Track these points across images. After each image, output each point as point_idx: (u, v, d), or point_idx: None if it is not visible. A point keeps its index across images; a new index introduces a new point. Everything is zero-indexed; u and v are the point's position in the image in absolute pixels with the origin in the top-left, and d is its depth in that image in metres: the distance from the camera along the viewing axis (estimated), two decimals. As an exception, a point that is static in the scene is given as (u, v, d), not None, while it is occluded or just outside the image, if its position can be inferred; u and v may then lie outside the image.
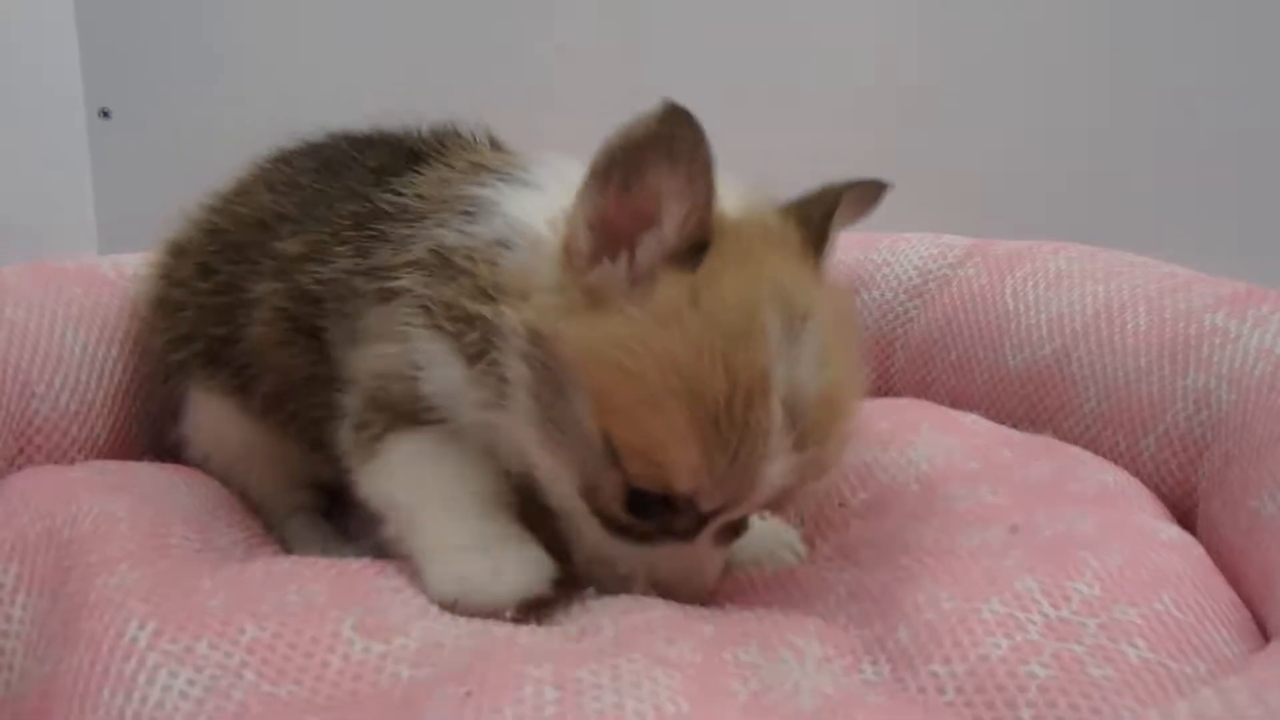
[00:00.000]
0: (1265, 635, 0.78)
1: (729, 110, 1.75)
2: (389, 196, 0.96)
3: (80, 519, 0.80)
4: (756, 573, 0.96)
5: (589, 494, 0.80)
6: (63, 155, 1.91)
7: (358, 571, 0.80)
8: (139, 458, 1.12)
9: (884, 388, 1.40)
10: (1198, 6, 1.69)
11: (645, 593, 0.81)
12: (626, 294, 0.77)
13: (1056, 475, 0.98)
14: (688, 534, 0.80)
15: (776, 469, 0.76)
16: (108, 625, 0.66)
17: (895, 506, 0.99)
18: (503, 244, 0.85)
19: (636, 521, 0.79)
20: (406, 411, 0.88)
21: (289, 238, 1.01)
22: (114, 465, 1.04)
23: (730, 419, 0.73)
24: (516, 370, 0.80)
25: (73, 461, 1.07)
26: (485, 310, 0.83)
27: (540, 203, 0.87)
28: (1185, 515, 1.00)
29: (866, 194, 0.93)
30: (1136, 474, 1.04)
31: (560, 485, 0.82)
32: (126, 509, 0.83)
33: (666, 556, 0.81)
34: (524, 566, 0.81)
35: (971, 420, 1.15)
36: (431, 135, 1.08)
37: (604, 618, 0.77)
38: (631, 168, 0.75)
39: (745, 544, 0.98)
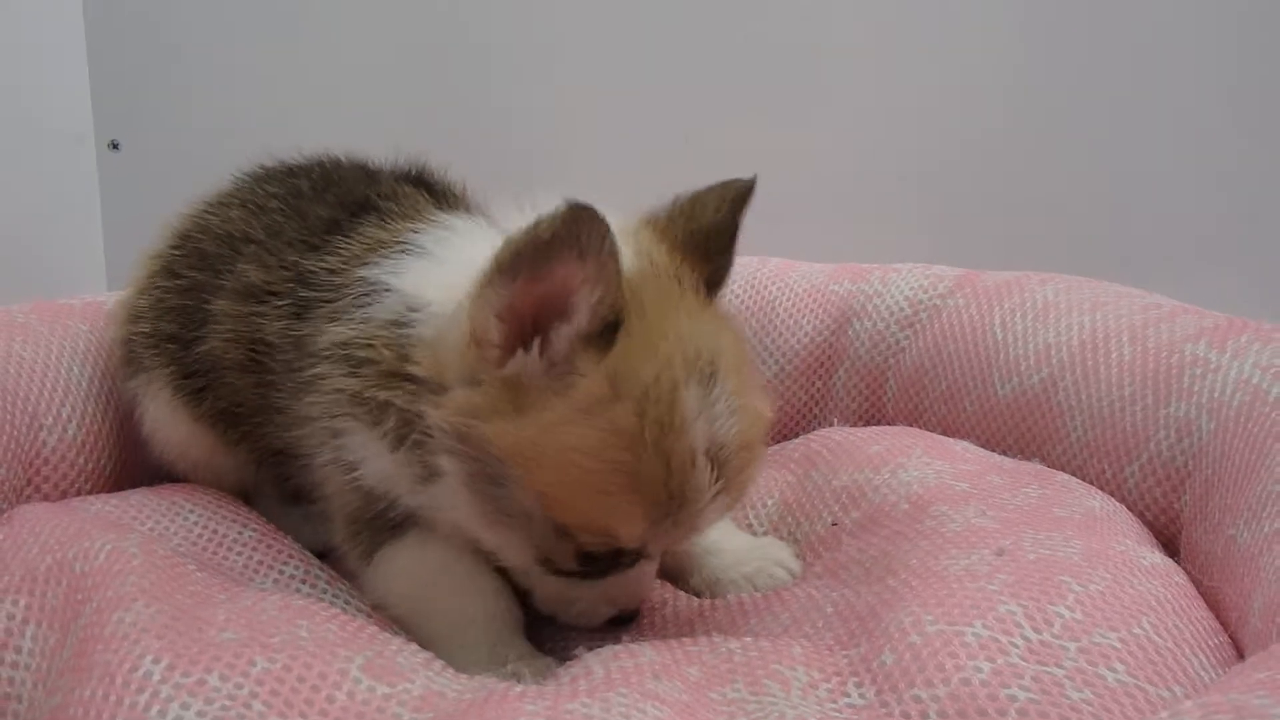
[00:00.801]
0: (1242, 659, 0.79)
1: (724, 141, 1.80)
2: (313, 263, 0.98)
3: (93, 554, 0.82)
4: (747, 595, 0.99)
5: (541, 560, 0.87)
6: (73, 186, 1.93)
7: (369, 623, 0.83)
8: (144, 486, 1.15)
9: (876, 416, 1.43)
10: (1187, 39, 1.70)
11: (598, 611, 0.92)
12: (546, 385, 0.79)
13: (1044, 500, 1.00)
14: (633, 563, 0.89)
15: (708, 513, 0.84)
16: (122, 659, 0.68)
17: (885, 525, 1.01)
18: (400, 324, 0.87)
19: (588, 569, 0.87)
20: (382, 520, 0.92)
21: (250, 260, 1.03)
22: (115, 499, 1.06)
23: (667, 490, 0.80)
24: (447, 463, 0.83)
25: (80, 493, 1.10)
26: (395, 397, 0.85)
27: (436, 275, 0.89)
28: (1170, 541, 1.02)
29: (748, 193, 0.95)
30: (1122, 501, 1.06)
31: (509, 554, 0.89)
32: (138, 545, 0.85)
33: (615, 584, 0.90)
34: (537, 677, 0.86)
35: (962, 447, 1.17)
36: (392, 181, 1.10)
37: (595, 663, 0.79)
38: (540, 264, 0.76)
39: (740, 561, 1.04)
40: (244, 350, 1.01)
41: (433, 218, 0.99)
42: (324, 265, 0.97)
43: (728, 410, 0.82)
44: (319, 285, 0.96)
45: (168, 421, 1.12)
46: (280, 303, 0.99)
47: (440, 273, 0.88)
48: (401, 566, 0.93)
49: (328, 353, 0.90)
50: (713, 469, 0.81)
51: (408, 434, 0.85)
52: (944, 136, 1.82)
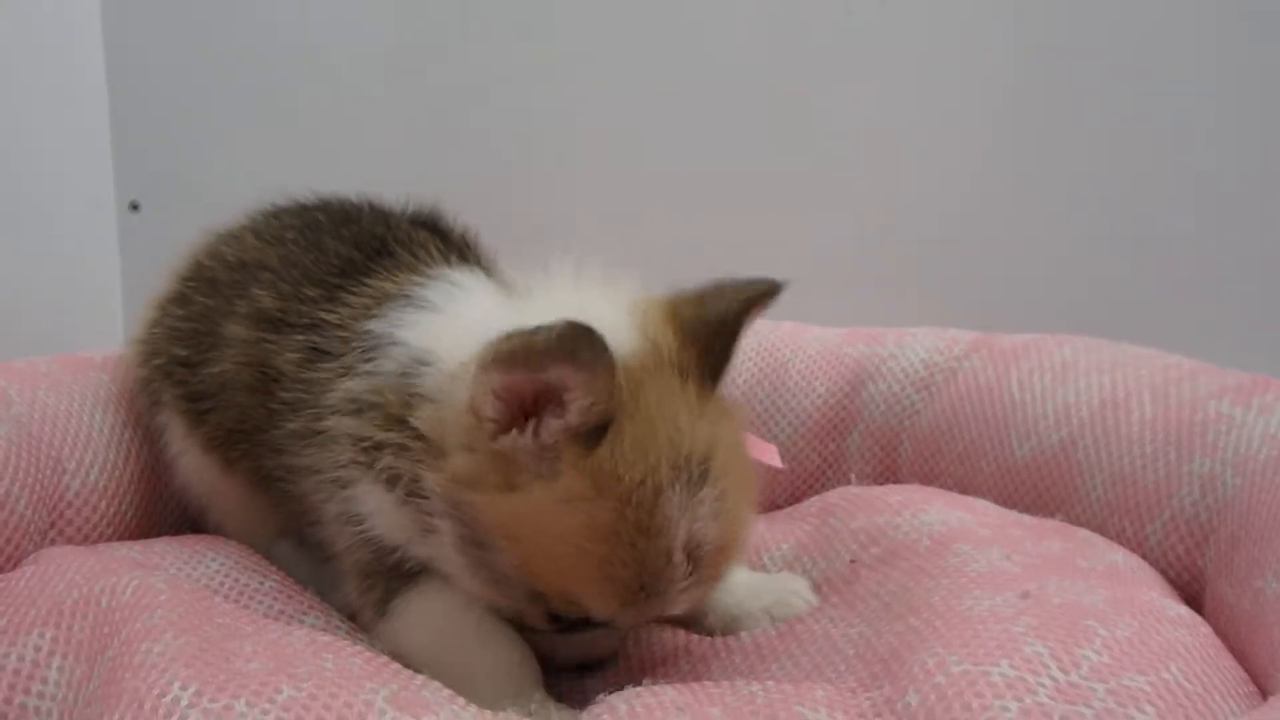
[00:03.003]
0: (1272, 710, 0.79)
1: (728, 202, 1.82)
2: (325, 313, 1.01)
3: (120, 589, 0.83)
4: (763, 635, 0.99)
5: (516, 615, 0.90)
6: (92, 247, 1.96)
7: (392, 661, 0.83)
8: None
9: (890, 477, 1.42)
10: (1205, 103, 1.72)
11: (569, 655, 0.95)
12: (534, 470, 0.81)
13: (1067, 552, 0.99)
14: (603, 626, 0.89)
15: (680, 600, 0.86)
16: (151, 685, 0.68)
17: (906, 560, 1.01)
18: (407, 375, 0.90)
19: (559, 627, 0.89)
20: (395, 570, 0.94)
21: (265, 287, 1.07)
22: (139, 545, 1.07)
23: (639, 581, 0.82)
24: (441, 521, 0.86)
25: (103, 538, 1.11)
26: (394, 437, 0.88)
27: (443, 330, 0.92)
28: (1192, 599, 1.01)
29: (766, 297, 0.95)
30: (1144, 558, 1.05)
31: (491, 602, 0.91)
32: (165, 583, 0.85)
33: (584, 641, 0.93)
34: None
35: (982, 504, 1.16)
36: (407, 225, 1.13)
37: (618, 702, 0.78)
38: (535, 366, 0.78)
39: (755, 594, 1.04)
40: (255, 372, 1.04)
41: (441, 270, 1.02)
42: (335, 317, 1.00)
43: (711, 513, 0.84)
44: (330, 336, 0.99)
45: (184, 450, 1.15)
46: (295, 336, 1.01)
47: (447, 329, 0.92)
48: (416, 618, 0.93)
49: (336, 407, 0.93)
50: (689, 564, 0.84)
51: (410, 488, 0.87)
52: (954, 203, 1.83)
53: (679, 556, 0.83)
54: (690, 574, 0.84)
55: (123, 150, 2.00)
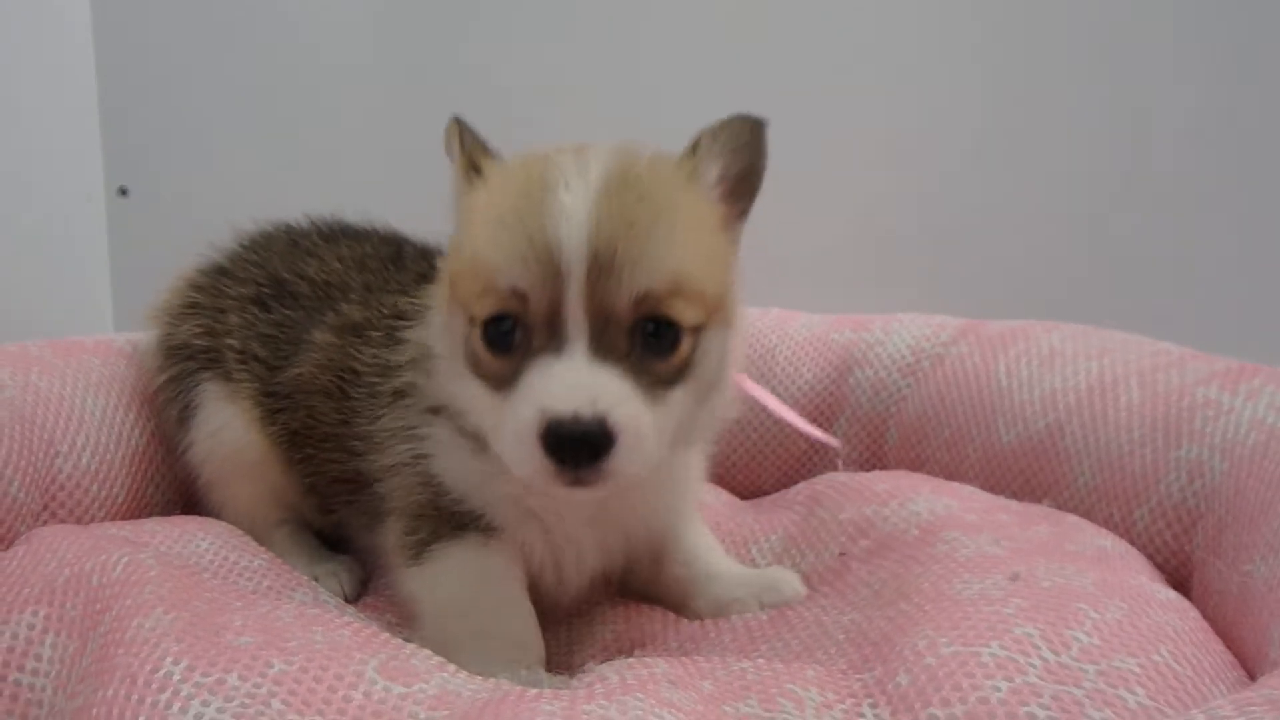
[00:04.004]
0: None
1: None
2: (406, 304, 1.09)
3: (110, 566, 0.83)
4: (753, 619, 1.00)
5: (471, 365, 0.89)
6: (82, 231, 1.95)
7: (382, 629, 0.83)
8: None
9: (877, 463, 1.43)
10: (1189, 83, 1.73)
11: (535, 429, 0.82)
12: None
13: (1055, 537, 1.00)
14: (552, 348, 0.85)
15: (565, 231, 0.84)
16: (143, 661, 0.69)
17: (895, 550, 1.01)
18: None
19: (501, 359, 0.87)
20: (445, 515, 0.98)
21: (355, 304, 1.15)
22: (129, 525, 1.08)
23: (514, 213, 0.86)
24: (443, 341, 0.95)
25: (94, 519, 1.12)
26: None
27: None
28: (1180, 584, 1.02)
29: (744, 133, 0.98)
30: (1132, 543, 1.06)
31: (481, 409, 0.91)
32: (154, 559, 0.86)
33: (543, 378, 0.84)
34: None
35: (969, 490, 1.17)
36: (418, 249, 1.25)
37: (609, 671, 0.79)
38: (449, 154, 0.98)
39: (744, 582, 1.06)
40: (333, 376, 1.10)
41: None
42: (416, 303, 1.07)
43: (615, 207, 0.85)
44: (411, 317, 1.07)
45: (229, 426, 1.17)
46: (375, 333, 1.10)
47: None
48: (451, 567, 0.97)
49: (410, 365, 1.02)
50: (561, 179, 0.86)
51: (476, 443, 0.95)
52: (942, 192, 1.84)
53: (566, 198, 0.84)
54: (576, 191, 0.85)
55: (111, 136, 1.99)
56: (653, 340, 0.86)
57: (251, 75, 1.99)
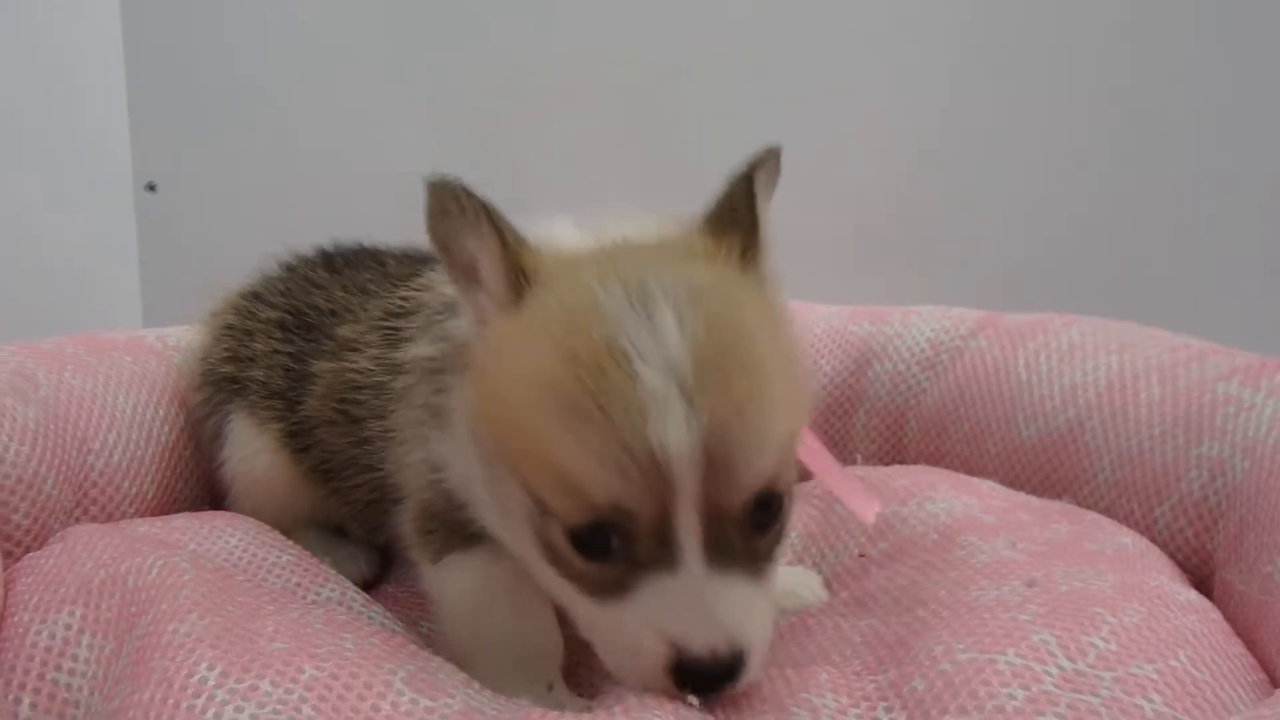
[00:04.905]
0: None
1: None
2: (397, 298, 1.06)
3: (145, 569, 0.85)
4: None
5: (547, 553, 0.77)
6: (111, 227, 1.98)
7: (406, 628, 0.85)
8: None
9: (896, 457, 1.43)
10: (1204, 80, 1.72)
11: (651, 650, 0.74)
12: (476, 345, 0.81)
13: (1074, 536, 1.00)
14: (664, 560, 0.73)
15: (671, 434, 0.69)
16: (179, 666, 0.70)
17: (914, 555, 1.01)
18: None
19: (597, 565, 0.75)
20: (457, 525, 0.92)
21: (344, 322, 1.13)
22: (160, 522, 1.09)
23: (590, 398, 0.70)
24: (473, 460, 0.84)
25: (125, 516, 1.14)
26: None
27: None
28: (1201, 583, 1.01)
29: (769, 165, 0.87)
30: (1152, 541, 1.05)
31: (540, 571, 0.80)
32: (188, 561, 0.87)
33: (664, 601, 0.73)
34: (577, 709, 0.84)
35: (989, 486, 1.17)
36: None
37: (629, 692, 0.76)
38: (440, 239, 0.80)
39: None
40: (333, 404, 1.09)
41: None
42: (408, 292, 1.05)
43: (674, 320, 0.72)
44: (406, 310, 1.03)
45: (259, 450, 1.18)
46: (370, 337, 1.07)
47: None
48: (465, 577, 0.93)
49: (412, 365, 0.96)
50: (658, 378, 0.70)
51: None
52: (960, 183, 1.84)
53: (640, 367, 0.70)
54: (673, 398, 0.70)
55: (140, 132, 2.01)
56: (758, 516, 0.75)
57: (280, 72, 2.00)
